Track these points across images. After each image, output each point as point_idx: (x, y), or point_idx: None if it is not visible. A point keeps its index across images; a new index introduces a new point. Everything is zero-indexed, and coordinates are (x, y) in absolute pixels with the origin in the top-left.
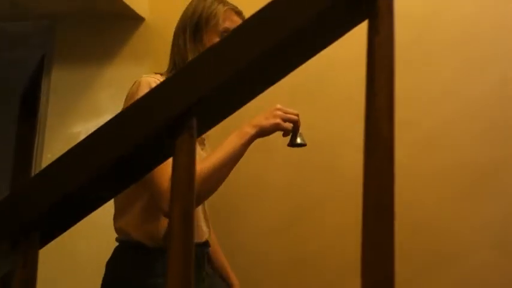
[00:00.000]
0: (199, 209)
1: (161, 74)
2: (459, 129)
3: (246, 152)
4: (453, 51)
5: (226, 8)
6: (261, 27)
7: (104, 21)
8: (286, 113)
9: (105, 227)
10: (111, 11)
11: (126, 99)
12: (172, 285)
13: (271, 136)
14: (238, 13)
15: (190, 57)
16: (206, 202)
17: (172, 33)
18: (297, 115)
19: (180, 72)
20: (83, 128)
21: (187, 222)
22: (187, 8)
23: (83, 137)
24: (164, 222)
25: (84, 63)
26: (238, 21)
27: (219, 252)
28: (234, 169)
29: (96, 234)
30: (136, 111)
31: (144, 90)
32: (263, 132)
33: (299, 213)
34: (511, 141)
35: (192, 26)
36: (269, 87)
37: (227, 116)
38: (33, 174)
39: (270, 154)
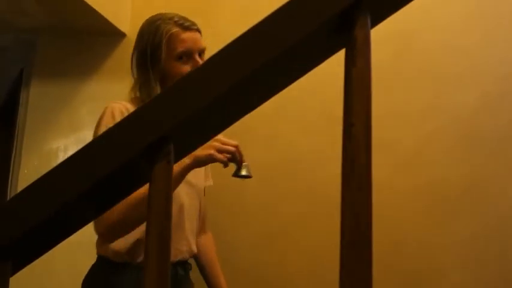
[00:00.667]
0: (183, 227)
1: (131, 98)
2: (437, 147)
3: (228, 169)
4: (433, 69)
5: (170, 32)
6: (240, 52)
7: (85, 37)
8: (224, 143)
9: (85, 244)
10: (93, 26)
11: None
12: None
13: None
14: (187, 28)
15: (152, 84)
16: (199, 218)
17: None
18: (236, 146)
19: (157, 98)
20: (62, 143)
21: (163, 245)
22: (136, 45)
23: (61, 152)
24: (129, 237)
25: (64, 78)
26: (189, 36)
27: (214, 262)
28: (216, 186)
29: (75, 251)
30: (113, 135)
31: (106, 119)
32: (198, 162)
33: (280, 230)
34: (487, 158)
35: (147, 55)
36: (247, 113)
37: (205, 142)
38: (9, 189)
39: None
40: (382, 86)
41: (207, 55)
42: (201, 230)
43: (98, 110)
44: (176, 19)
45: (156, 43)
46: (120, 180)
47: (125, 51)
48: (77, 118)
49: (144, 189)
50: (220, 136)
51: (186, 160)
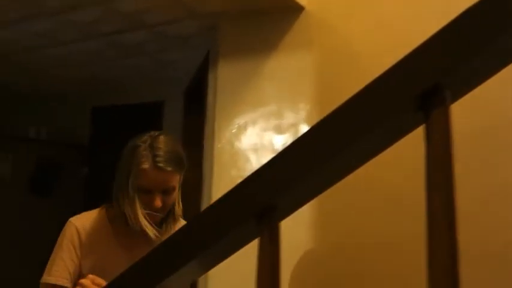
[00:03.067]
0: None
1: (106, 208)
2: None
3: None
4: None
5: (143, 166)
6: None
7: (264, 15)
8: (93, 283)
9: None
10: (271, 3)
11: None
12: None
13: None
14: (159, 168)
15: (122, 201)
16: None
17: (331, 21)
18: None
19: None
20: (249, 117)
21: None
22: (122, 152)
23: (249, 126)
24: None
25: (247, 56)
26: (158, 176)
27: None
28: None
29: None
30: None
31: (61, 240)
32: None
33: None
34: None
35: (121, 172)
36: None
37: None
38: (203, 162)
39: None
40: None
41: (371, 40)
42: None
43: (281, 84)
44: (158, 152)
45: (129, 167)
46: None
47: (304, 25)
48: (261, 93)
49: None
50: (86, 280)
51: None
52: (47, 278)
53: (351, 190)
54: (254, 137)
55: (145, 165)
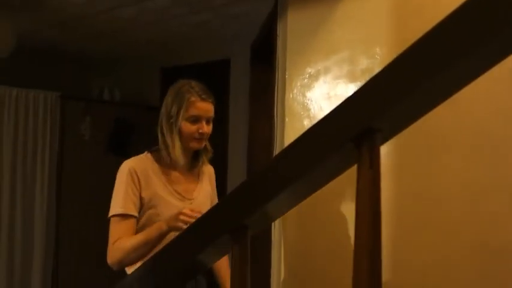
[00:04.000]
0: None
1: (151, 152)
2: None
3: None
4: None
5: (192, 98)
6: None
7: None
8: (190, 217)
9: None
10: None
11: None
12: None
13: None
14: (204, 99)
15: (168, 140)
16: None
17: None
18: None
19: None
20: (321, 65)
21: None
22: (165, 98)
23: (321, 74)
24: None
25: (317, 2)
26: (204, 106)
27: (225, 279)
28: None
29: None
30: None
31: (121, 177)
32: (172, 230)
33: None
34: None
35: (167, 116)
36: None
37: None
38: (275, 113)
39: None
40: None
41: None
42: None
43: (354, 29)
44: (197, 89)
45: (179, 105)
46: None
47: None
48: (333, 40)
49: (142, 236)
50: (186, 209)
51: (163, 226)
52: (118, 209)
53: None
54: (327, 85)
55: (194, 98)
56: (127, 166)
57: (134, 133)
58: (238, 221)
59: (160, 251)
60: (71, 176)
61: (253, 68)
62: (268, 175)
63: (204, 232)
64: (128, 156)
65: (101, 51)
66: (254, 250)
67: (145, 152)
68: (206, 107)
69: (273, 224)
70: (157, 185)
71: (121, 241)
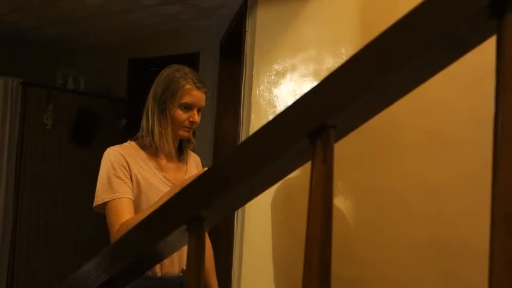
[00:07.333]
0: None
1: (134, 140)
2: None
3: None
4: None
5: (187, 86)
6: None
7: None
8: None
9: None
10: None
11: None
12: None
13: None
14: (198, 88)
15: (156, 126)
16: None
17: None
18: None
19: None
20: (289, 63)
21: None
22: (156, 82)
23: (288, 72)
24: None
25: (286, 0)
26: (198, 94)
27: (209, 271)
28: None
29: None
30: None
31: (107, 163)
32: None
33: None
34: None
35: (158, 101)
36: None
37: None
38: (241, 110)
39: None
40: None
41: None
42: None
43: (321, 28)
44: (192, 77)
45: (174, 90)
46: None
47: None
48: (301, 38)
49: (152, 208)
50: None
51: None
52: (112, 195)
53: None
54: (293, 83)
55: (189, 86)
56: (113, 153)
57: (98, 124)
58: (194, 213)
59: (117, 241)
60: (31, 165)
61: (221, 63)
62: (225, 168)
63: (160, 222)
64: (91, 147)
65: (67, 39)
66: (216, 245)
67: (128, 141)
68: (200, 96)
69: (235, 221)
70: (147, 171)
71: (127, 223)
